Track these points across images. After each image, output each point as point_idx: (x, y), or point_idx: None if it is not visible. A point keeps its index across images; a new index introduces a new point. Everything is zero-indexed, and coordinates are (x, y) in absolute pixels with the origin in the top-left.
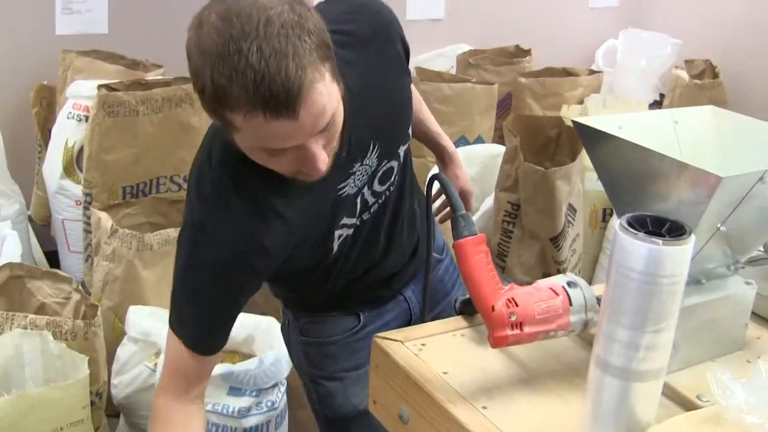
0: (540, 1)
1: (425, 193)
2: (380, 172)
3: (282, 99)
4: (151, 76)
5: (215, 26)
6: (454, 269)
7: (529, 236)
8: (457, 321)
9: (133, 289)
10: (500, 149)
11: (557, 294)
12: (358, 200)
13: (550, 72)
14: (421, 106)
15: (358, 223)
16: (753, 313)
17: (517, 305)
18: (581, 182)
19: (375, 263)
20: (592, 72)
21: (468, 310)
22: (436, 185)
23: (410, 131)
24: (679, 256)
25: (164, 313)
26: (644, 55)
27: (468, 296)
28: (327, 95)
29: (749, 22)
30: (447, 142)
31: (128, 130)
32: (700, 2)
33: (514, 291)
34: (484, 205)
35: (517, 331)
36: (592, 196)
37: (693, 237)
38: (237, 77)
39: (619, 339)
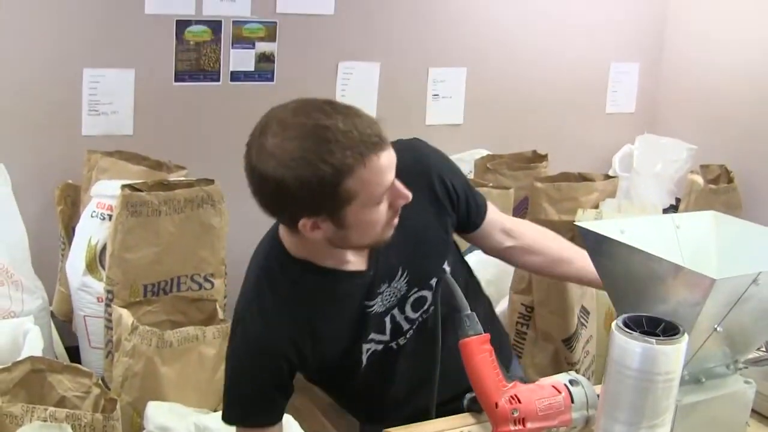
0: (557, 106)
1: (433, 295)
2: (411, 298)
3: (377, 135)
4: (174, 177)
5: (291, 130)
6: None
7: (543, 338)
8: (465, 418)
9: (152, 385)
10: None
11: (559, 391)
12: (387, 319)
13: (565, 177)
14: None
15: (393, 346)
16: (754, 411)
17: (520, 402)
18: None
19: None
20: (607, 177)
21: (476, 407)
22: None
23: (447, 267)
24: (672, 354)
25: (182, 409)
26: (660, 160)
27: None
28: None
29: (763, 126)
30: None
31: (150, 230)
32: (714, 108)
33: (518, 388)
34: (498, 307)
35: (520, 427)
36: (607, 299)
37: (686, 336)
38: (342, 144)
39: None
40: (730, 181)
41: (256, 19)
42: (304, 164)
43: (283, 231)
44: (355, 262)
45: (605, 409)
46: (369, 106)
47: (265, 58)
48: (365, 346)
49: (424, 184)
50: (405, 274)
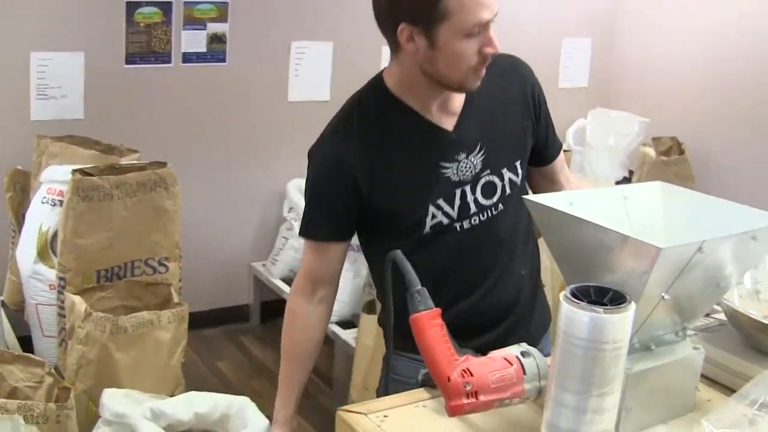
0: None
1: (384, 272)
2: (482, 179)
3: None
4: (126, 161)
5: None
6: None
7: None
8: (420, 393)
9: (107, 372)
10: None
11: (511, 363)
12: (458, 192)
13: None
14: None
15: (458, 227)
16: (703, 376)
17: (472, 375)
18: (549, 260)
19: (476, 297)
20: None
21: (430, 382)
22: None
23: (519, 170)
24: (619, 323)
25: (138, 396)
26: (612, 133)
27: None
28: None
29: (712, 98)
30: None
31: (103, 214)
32: (665, 81)
33: (470, 362)
34: None
35: (473, 400)
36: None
37: (633, 305)
38: None
39: (567, 404)
40: (682, 152)
41: None
42: None
43: (387, 71)
44: (443, 120)
45: (555, 379)
46: (323, 86)
47: (216, 39)
48: (432, 209)
49: (519, 87)
50: (482, 151)
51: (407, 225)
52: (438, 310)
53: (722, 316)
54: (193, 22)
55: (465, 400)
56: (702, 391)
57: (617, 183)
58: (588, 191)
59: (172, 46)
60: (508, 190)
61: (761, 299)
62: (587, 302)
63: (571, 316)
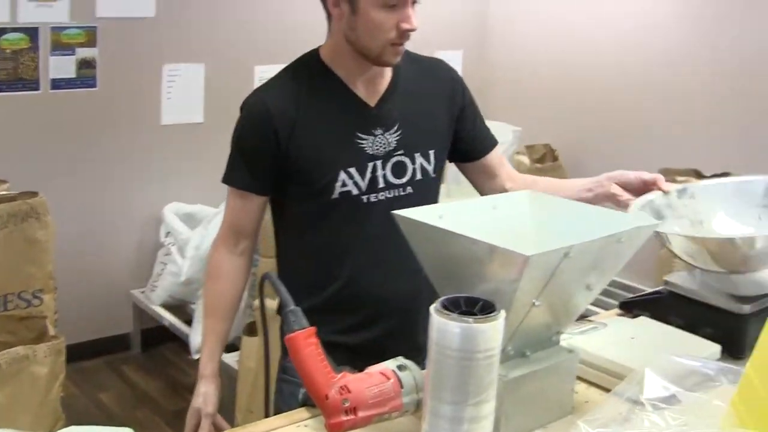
0: None
1: (258, 292)
2: (395, 158)
3: None
4: None
5: None
6: None
7: None
8: (300, 412)
9: None
10: None
11: (388, 378)
12: (370, 165)
13: None
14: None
15: (365, 200)
16: (579, 378)
17: (350, 392)
18: None
19: (372, 279)
20: None
21: (310, 401)
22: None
23: (432, 159)
24: (490, 332)
25: None
26: None
27: None
28: None
29: (581, 105)
30: (588, 183)
31: None
32: (536, 90)
33: (347, 378)
34: None
35: (352, 416)
36: None
37: (503, 313)
38: None
39: (444, 414)
40: (555, 159)
41: (75, 24)
42: None
43: (324, 44)
44: (367, 95)
45: (431, 390)
46: (196, 108)
47: (86, 64)
48: (342, 175)
49: (442, 85)
50: (399, 132)
51: (317, 187)
52: (313, 329)
53: (598, 318)
54: (61, 47)
55: (344, 417)
56: (580, 393)
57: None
58: (457, 203)
59: (39, 73)
60: (418, 175)
61: (706, 228)
62: (458, 313)
63: (443, 328)
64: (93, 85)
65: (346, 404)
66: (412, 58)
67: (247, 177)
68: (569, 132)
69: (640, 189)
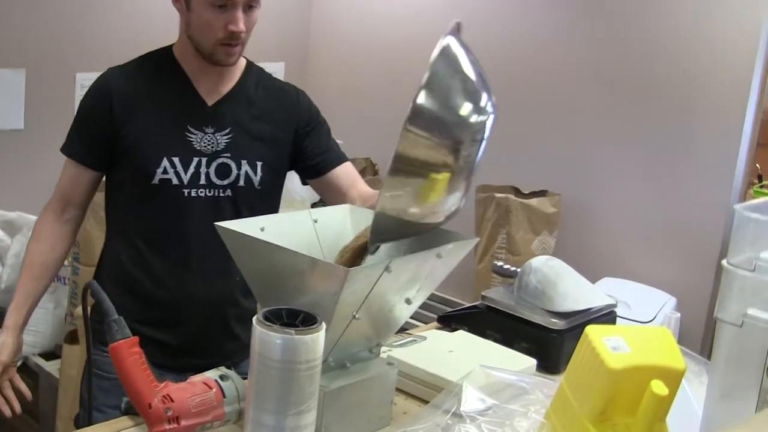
0: None
1: (81, 301)
2: (220, 159)
3: None
4: None
5: None
6: None
7: None
8: (123, 421)
9: None
10: None
11: (210, 387)
12: (195, 160)
13: None
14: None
15: (185, 193)
16: (399, 390)
17: (172, 401)
18: None
19: (185, 279)
20: None
21: (133, 410)
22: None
23: (259, 171)
24: (311, 343)
25: None
26: None
27: None
28: None
29: (399, 122)
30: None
31: None
32: (357, 105)
33: (169, 388)
34: None
35: (175, 425)
36: None
37: (324, 325)
38: None
39: (265, 423)
40: (376, 173)
41: None
42: None
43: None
44: (207, 95)
45: (253, 400)
46: (16, 114)
47: None
48: (165, 163)
49: (290, 110)
50: (230, 135)
51: (140, 171)
52: (136, 339)
53: (417, 331)
54: None
55: (167, 426)
56: (399, 404)
57: (313, 205)
58: (278, 216)
59: None
60: (241, 182)
61: None
62: (280, 324)
63: (265, 339)
64: None
65: (169, 413)
66: (266, 76)
67: (83, 150)
68: (387, 145)
69: None
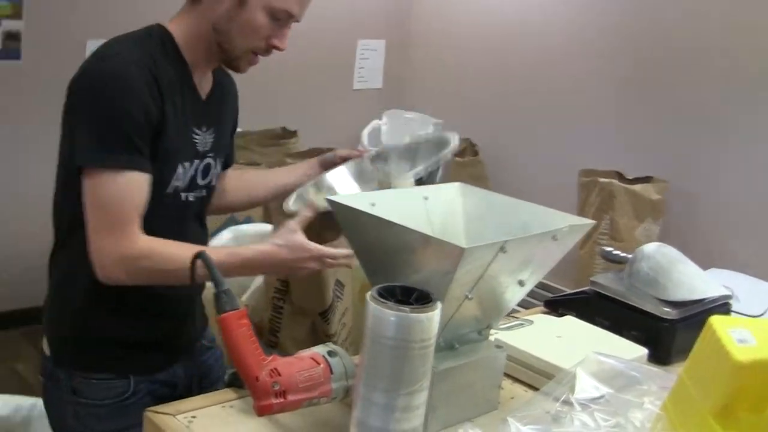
0: (305, 83)
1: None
2: (207, 158)
3: None
4: None
5: None
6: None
7: (299, 312)
8: (226, 393)
9: None
10: (268, 228)
11: (318, 363)
12: (196, 162)
13: (315, 152)
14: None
15: (183, 198)
16: (506, 374)
17: (280, 375)
18: None
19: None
20: None
21: (237, 382)
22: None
23: (219, 168)
24: (426, 322)
25: None
26: (408, 134)
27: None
28: None
29: (502, 102)
30: (305, 167)
31: None
32: (458, 83)
33: (277, 361)
34: (255, 282)
35: (281, 400)
36: (362, 272)
37: (439, 304)
38: None
39: (377, 402)
40: (476, 153)
41: None
42: None
43: (171, 23)
44: (201, 90)
45: (364, 378)
46: None
47: (11, 37)
48: (179, 169)
49: (233, 102)
50: (214, 133)
51: (157, 178)
52: (245, 311)
53: (523, 315)
54: None
55: (274, 400)
56: (506, 389)
57: (416, 182)
58: (387, 192)
59: None
60: (214, 180)
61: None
62: (394, 302)
63: (379, 316)
64: (17, 58)
65: (276, 387)
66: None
67: (143, 155)
68: (489, 127)
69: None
